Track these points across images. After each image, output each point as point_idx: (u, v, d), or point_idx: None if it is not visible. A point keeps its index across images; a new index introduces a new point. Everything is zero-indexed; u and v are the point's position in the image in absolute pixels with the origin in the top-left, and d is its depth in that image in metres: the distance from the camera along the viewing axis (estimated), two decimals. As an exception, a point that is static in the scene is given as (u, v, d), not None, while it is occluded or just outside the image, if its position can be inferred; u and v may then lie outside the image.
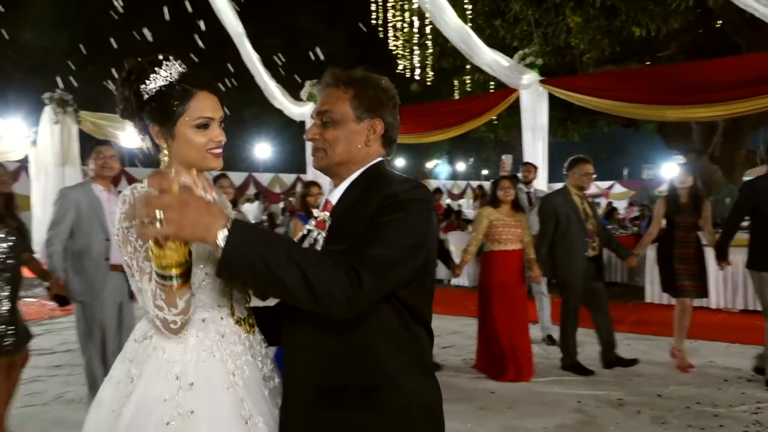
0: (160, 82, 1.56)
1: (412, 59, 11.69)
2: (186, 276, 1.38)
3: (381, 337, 1.45)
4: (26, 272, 3.88)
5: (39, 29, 18.59)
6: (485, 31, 10.48)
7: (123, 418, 1.47)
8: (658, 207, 5.67)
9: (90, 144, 4.63)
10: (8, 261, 3.57)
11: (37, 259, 4.17)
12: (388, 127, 1.60)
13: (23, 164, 10.99)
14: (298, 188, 20.78)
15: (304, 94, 10.96)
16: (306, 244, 1.58)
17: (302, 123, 10.95)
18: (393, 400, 1.45)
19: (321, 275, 1.29)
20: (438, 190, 14.59)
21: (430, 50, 11.06)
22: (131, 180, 13.69)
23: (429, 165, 33.51)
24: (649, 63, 11.11)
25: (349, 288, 1.31)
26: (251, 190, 20.36)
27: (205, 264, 1.55)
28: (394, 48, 11.96)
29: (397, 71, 11.99)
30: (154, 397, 1.45)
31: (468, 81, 11.93)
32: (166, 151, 1.60)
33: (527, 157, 8.23)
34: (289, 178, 23.28)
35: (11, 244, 3.57)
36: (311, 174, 9.72)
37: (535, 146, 8.49)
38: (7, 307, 3.56)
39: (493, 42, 9.95)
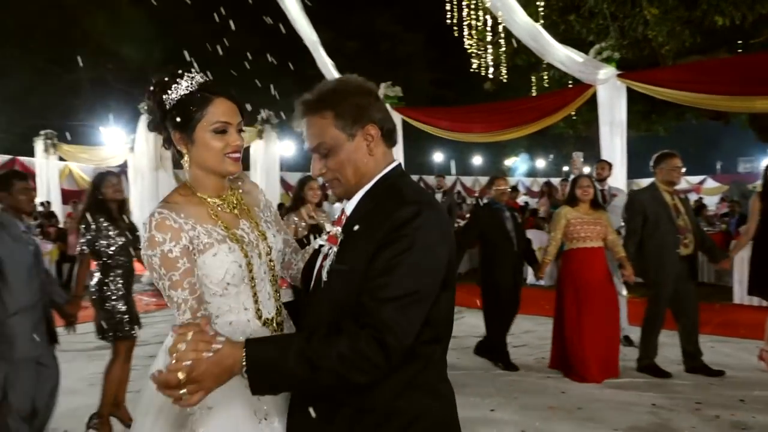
0: (181, 92, 1.65)
1: (486, 57, 11.57)
2: None
3: None
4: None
5: (136, 43, 19.88)
6: (560, 27, 10.24)
7: (156, 401, 1.62)
8: (753, 203, 5.34)
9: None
10: (120, 259, 4.11)
11: None
12: (382, 123, 1.55)
13: (123, 169, 11.84)
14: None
15: (380, 95, 11.10)
16: (319, 259, 1.60)
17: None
18: (384, 426, 1.45)
19: (347, 362, 1.32)
20: (515, 188, 14.40)
21: (503, 48, 10.91)
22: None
23: (507, 162, 32.93)
24: (740, 51, 10.46)
25: (377, 359, 1.34)
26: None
27: (228, 271, 1.64)
28: (469, 47, 11.89)
29: (472, 70, 11.92)
30: None
31: (545, 77, 11.69)
32: (186, 157, 1.68)
33: (604, 154, 8.02)
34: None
35: (121, 244, 4.11)
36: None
37: (613, 142, 8.23)
38: (123, 300, 4.11)
39: (568, 37, 9.72)
